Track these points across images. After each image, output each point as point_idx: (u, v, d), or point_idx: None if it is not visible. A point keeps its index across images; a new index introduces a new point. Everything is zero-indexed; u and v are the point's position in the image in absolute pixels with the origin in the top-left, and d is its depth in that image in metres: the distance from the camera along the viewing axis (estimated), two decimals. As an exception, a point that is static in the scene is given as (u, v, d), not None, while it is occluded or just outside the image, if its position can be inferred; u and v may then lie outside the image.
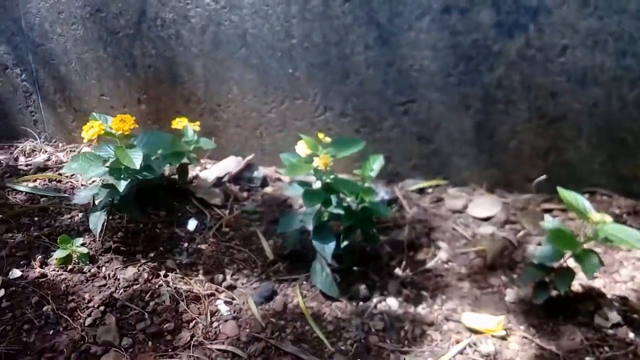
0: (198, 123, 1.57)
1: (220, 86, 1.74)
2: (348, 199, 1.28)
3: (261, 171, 1.76)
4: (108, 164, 1.24)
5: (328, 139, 1.24)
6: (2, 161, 1.81)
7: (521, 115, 1.61)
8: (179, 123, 1.54)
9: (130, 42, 1.72)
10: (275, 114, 1.75)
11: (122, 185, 1.19)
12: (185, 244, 1.46)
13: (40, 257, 1.33)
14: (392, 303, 1.28)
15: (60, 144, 1.90)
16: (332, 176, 1.23)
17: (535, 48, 1.50)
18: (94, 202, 1.35)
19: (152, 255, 1.39)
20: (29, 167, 1.77)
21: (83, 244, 1.33)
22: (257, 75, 1.70)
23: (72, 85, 1.83)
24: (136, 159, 1.17)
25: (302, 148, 1.22)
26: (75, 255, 1.31)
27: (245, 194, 1.70)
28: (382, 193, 1.66)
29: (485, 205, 1.67)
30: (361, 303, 1.27)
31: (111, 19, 1.70)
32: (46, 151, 1.85)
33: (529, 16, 1.47)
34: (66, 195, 1.61)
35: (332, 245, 1.22)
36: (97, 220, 1.30)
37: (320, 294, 1.30)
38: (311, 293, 1.30)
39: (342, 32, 1.60)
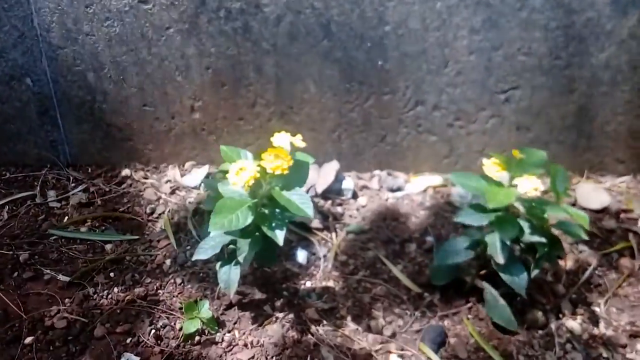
0: (300, 136, 1.29)
1: (293, 86, 1.45)
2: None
3: (350, 181, 1.52)
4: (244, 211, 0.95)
5: (517, 155, 1.03)
6: (26, 199, 1.42)
7: (624, 96, 1.49)
8: (279, 138, 1.25)
9: (183, 40, 1.38)
10: (357, 112, 1.50)
11: (280, 237, 0.92)
12: (308, 283, 1.21)
13: (150, 329, 1.03)
14: (573, 326, 1.12)
15: (90, 168, 1.53)
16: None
17: (661, 24, 1.36)
18: (225, 253, 1.06)
19: (279, 303, 1.13)
20: (65, 204, 1.41)
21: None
22: (339, 70, 1.43)
23: (104, 96, 1.45)
24: (308, 208, 0.90)
25: (493, 169, 1.00)
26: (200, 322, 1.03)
27: (339, 209, 1.45)
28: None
29: (591, 194, 1.55)
30: (540, 332, 1.11)
31: (159, 11, 1.34)
32: (77, 179, 1.48)
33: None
34: (135, 237, 1.29)
35: (524, 277, 1.04)
36: (229, 276, 1.01)
37: (494, 326, 1.12)
38: (481, 327, 1.12)
39: (446, 15, 1.36)
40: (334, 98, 1.47)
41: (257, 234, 0.96)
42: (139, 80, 1.42)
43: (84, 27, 1.35)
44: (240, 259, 0.95)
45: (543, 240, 0.99)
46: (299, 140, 1.21)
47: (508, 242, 1.01)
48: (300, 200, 0.90)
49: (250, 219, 0.89)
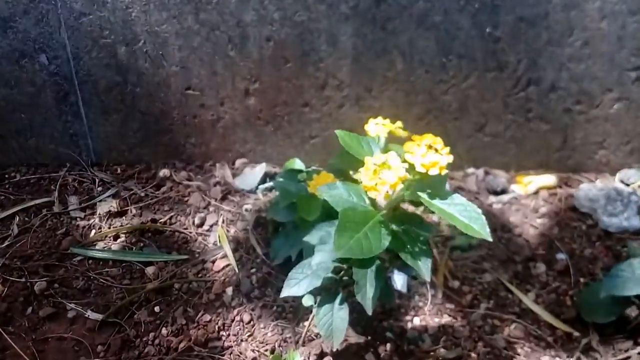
0: (401, 124, 0.96)
1: (376, 61, 1.13)
2: None
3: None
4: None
5: None
6: (41, 208, 1.11)
7: None
8: (373, 125, 0.92)
9: (240, 3, 1.06)
10: (453, 94, 1.18)
11: (427, 269, 0.60)
12: (415, 320, 0.89)
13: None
14: None
15: (119, 168, 1.22)
16: None
17: None
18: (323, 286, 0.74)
19: (384, 350, 0.81)
20: (91, 213, 1.09)
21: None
22: (435, 40, 1.11)
23: (138, 77, 1.14)
24: (483, 225, 0.59)
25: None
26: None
27: (434, 218, 1.13)
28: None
29: None
30: None
31: (210, -36, 1.03)
32: (104, 182, 1.17)
33: None
34: (183, 256, 0.97)
35: None
36: (334, 321, 0.70)
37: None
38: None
39: (579, -34, 1.04)
40: (425, 76, 1.15)
41: (378, 262, 0.64)
42: (182, 56, 1.11)
43: (114, -13, 1.03)
44: (361, 298, 0.63)
45: None
46: (400, 129, 0.89)
47: None
48: (468, 215, 0.58)
49: (386, 242, 0.57)
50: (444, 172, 0.62)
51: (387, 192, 0.61)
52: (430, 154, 0.60)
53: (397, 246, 0.61)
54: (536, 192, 1.20)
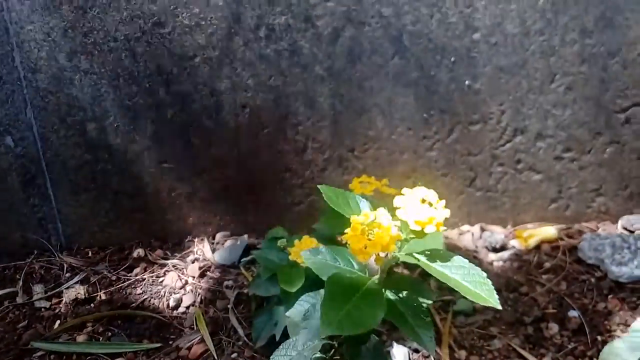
0: (387, 181, 0.90)
1: (355, 121, 1.09)
2: None
3: (439, 239, 1.11)
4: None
5: None
6: (3, 300, 1.01)
7: None
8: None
9: (212, 71, 1.03)
10: (438, 150, 1.13)
11: (432, 344, 0.51)
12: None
13: None
14: None
15: (90, 252, 1.13)
16: None
17: None
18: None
19: None
20: (57, 302, 0.99)
21: None
22: (414, 96, 1.08)
23: (110, 153, 1.08)
24: (491, 293, 0.51)
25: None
26: None
27: (432, 281, 1.04)
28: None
29: None
30: None
31: (180, 36, 1.01)
32: (73, 267, 1.07)
33: None
34: (155, 344, 0.86)
35: None
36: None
37: None
38: None
39: (551, 14, 1.03)
40: (407, 133, 1.10)
41: (374, 335, 0.55)
42: (154, 129, 1.06)
43: (82, 63, 1.00)
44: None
45: None
46: (387, 186, 0.83)
47: None
48: (472, 280, 0.50)
49: (382, 312, 0.49)
50: (442, 229, 0.55)
51: (379, 255, 0.53)
52: (425, 208, 0.53)
53: (394, 317, 0.52)
54: (537, 246, 1.12)
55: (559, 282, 1.01)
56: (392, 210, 0.57)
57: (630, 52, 1.06)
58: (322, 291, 0.57)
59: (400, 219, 0.56)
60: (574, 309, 0.94)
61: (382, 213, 0.57)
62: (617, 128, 1.12)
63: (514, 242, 1.14)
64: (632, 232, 1.13)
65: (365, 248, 0.53)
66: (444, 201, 0.58)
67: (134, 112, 1.04)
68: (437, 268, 0.55)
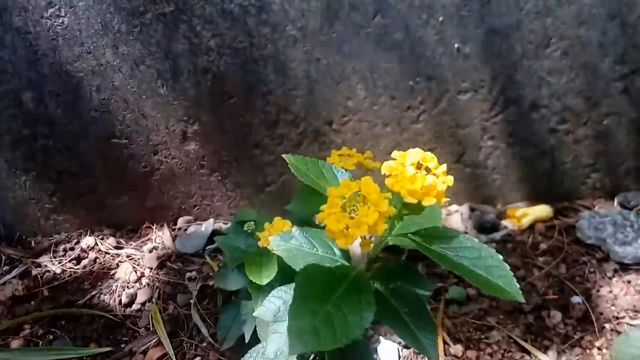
0: (370, 154, 0.78)
1: (333, 89, 0.96)
2: None
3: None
4: None
5: None
6: None
7: None
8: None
9: (167, 30, 0.88)
10: (424, 122, 1.01)
11: (434, 350, 0.39)
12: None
13: None
14: None
15: (33, 241, 0.98)
16: None
17: None
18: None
19: None
20: (-11, 299, 0.84)
21: None
22: (398, 60, 0.96)
23: (51, 127, 0.93)
24: (513, 284, 0.39)
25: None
26: None
27: (421, 266, 0.93)
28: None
29: None
30: None
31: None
32: (12, 259, 0.92)
33: None
34: (105, 349, 0.73)
35: None
36: None
37: None
38: None
39: (549, -32, 0.92)
40: (391, 103, 0.98)
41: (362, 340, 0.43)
42: (100, 98, 0.91)
43: (15, 20, 0.84)
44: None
45: None
46: (370, 160, 0.71)
47: None
48: (486, 266, 0.38)
49: (370, 314, 0.37)
50: (444, 201, 0.43)
51: (365, 237, 0.41)
52: (421, 175, 0.41)
53: (386, 317, 0.40)
54: (531, 226, 1.02)
55: (558, 265, 0.91)
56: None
57: (631, 14, 0.96)
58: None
59: (390, 189, 0.44)
60: (577, 294, 0.84)
61: (367, 182, 0.44)
62: (615, 97, 1.02)
63: (506, 223, 1.04)
64: (630, 209, 1.05)
65: (347, 229, 0.41)
66: (444, 166, 0.47)
67: (77, 79, 0.89)
68: (440, 251, 0.44)
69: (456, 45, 0.94)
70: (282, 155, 0.48)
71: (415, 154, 0.46)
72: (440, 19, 0.92)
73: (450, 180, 0.45)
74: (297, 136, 0.98)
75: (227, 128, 0.96)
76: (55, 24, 0.85)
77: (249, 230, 0.67)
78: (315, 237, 0.50)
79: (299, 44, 0.91)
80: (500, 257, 0.44)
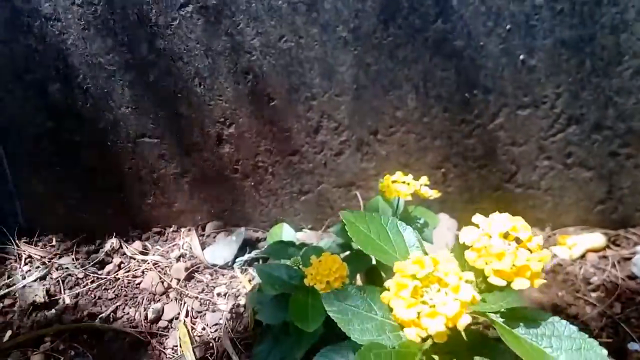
0: (427, 180, 0.70)
1: (382, 98, 0.88)
2: None
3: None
4: None
5: None
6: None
7: None
8: (392, 188, 0.66)
9: (208, 25, 0.80)
10: (477, 137, 0.93)
11: None
12: None
13: None
14: None
15: (54, 239, 0.92)
16: None
17: None
18: None
19: None
20: (10, 304, 0.79)
21: None
22: (455, 70, 0.87)
23: (78, 121, 0.86)
24: None
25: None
26: None
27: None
28: None
29: None
30: None
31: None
32: (32, 258, 0.87)
33: None
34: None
35: None
36: None
37: None
38: None
39: (634, -23, 0.81)
40: (443, 115, 0.90)
41: None
42: (133, 94, 0.84)
43: (44, 6, 0.77)
44: None
45: None
46: (427, 187, 0.63)
47: None
48: None
49: None
50: (538, 282, 0.36)
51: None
52: (511, 249, 0.34)
53: None
54: (584, 256, 0.94)
55: (613, 304, 0.84)
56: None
57: None
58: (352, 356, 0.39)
59: (472, 265, 0.37)
60: (635, 341, 0.77)
61: (445, 258, 0.37)
62: (686, 121, 0.93)
63: (556, 250, 0.96)
64: (690, 243, 0.96)
65: (419, 318, 0.34)
66: (540, 237, 0.39)
67: (108, 72, 0.81)
68: (527, 338, 0.37)
69: (521, 57, 0.85)
70: (340, 212, 0.41)
71: (504, 220, 0.38)
72: (508, 27, 0.83)
73: (547, 256, 0.37)
74: (338, 145, 0.91)
75: (265, 132, 0.88)
76: (88, 12, 0.78)
77: (295, 265, 0.61)
78: (374, 297, 0.43)
79: (350, 47, 0.83)
80: (605, 351, 0.37)
